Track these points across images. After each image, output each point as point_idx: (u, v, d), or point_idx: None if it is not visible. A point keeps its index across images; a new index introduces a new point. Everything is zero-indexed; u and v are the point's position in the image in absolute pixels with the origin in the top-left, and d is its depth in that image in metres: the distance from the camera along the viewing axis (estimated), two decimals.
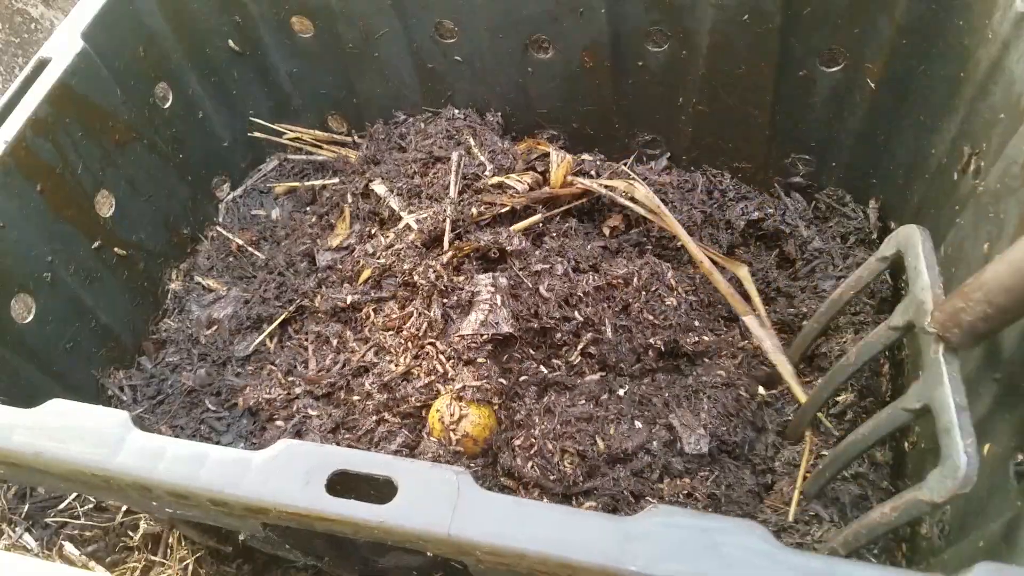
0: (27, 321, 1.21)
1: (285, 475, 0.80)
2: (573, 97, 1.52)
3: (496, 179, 1.40)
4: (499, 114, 1.58)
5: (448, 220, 1.33)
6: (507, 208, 1.38)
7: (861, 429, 1.07)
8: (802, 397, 1.27)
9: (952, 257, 1.13)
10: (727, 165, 1.52)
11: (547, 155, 1.46)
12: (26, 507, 1.37)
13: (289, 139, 1.68)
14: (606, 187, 1.43)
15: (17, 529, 1.35)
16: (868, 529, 0.98)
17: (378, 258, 1.36)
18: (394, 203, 1.42)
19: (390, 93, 1.60)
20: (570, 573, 0.75)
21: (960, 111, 1.16)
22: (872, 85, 1.32)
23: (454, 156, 1.44)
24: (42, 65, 1.26)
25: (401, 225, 1.39)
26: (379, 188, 1.46)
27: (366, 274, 1.35)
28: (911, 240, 1.05)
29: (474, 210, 1.35)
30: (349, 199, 1.52)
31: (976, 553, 0.91)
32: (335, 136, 1.69)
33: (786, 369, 1.31)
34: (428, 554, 0.80)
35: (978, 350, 0.99)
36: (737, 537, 0.73)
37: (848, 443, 1.09)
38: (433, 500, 0.77)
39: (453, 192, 1.39)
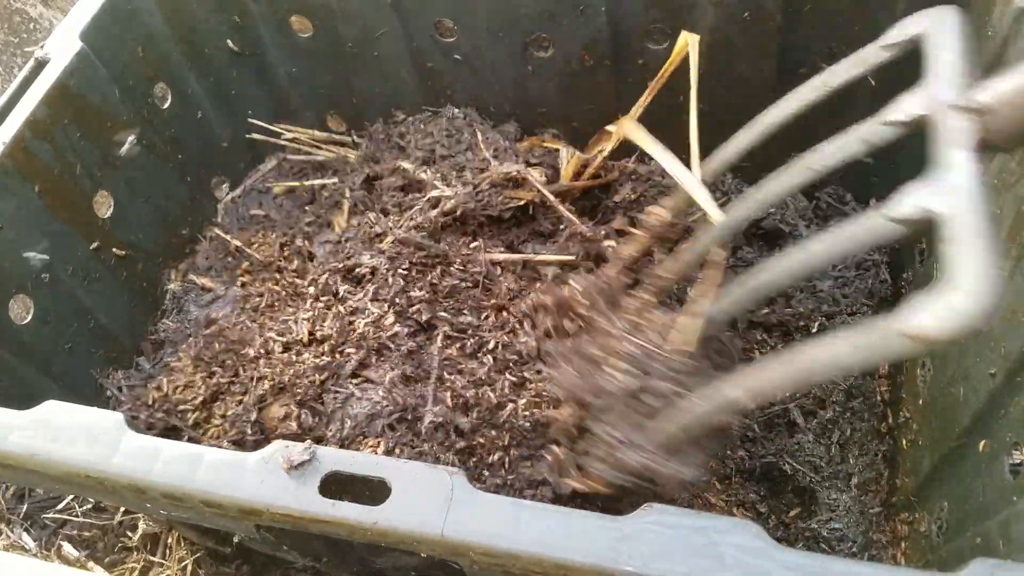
0: (25, 322, 1.21)
1: (279, 477, 0.80)
2: (573, 96, 1.51)
3: (510, 168, 1.39)
4: (500, 113, 1.57)
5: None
6: (523, 201, 1.38)
7: (814, 243, 0.82)
8: (716, 214, 1.01)
9: None
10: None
11: (549, 153, 1.46)
12: (25, 507, 1.38)
13: (287, 139, 1.68)
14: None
15: (15, 529, 1.35)
16: (800, 370, 0.73)
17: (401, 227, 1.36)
18: (425, 175, 1.43)
19: (389, 92, 1.60)
20: (564, 574, 0.74)
21: None
22: (872, 82, 1.31)
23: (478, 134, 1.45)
24: (40, 65, 1.26)
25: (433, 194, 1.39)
26: (406, 163, 1.47)
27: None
28: (945, 23, 0.78)
29: (498, 199, 1.35)
30: (348, 193, 1.52)
31: (973, 550, 0.91)
32: (334, 136, 1.69)
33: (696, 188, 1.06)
34: (423, 555, 0.80)
35: (973, 345, 0.99)
36: (732, 536, 0.73)
37: (795, 254, 0.85)
38: (426, 501, 0.77)
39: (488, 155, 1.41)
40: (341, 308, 1.26)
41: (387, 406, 1.13)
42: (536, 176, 1.39)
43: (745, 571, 0.71)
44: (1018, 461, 0.88)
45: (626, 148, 1.56)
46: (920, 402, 1.16)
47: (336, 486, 0.80)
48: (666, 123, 1.49)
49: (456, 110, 1.57)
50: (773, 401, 1.24)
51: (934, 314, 0.60)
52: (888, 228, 0.72)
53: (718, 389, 0.81)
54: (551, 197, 1.38)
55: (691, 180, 1.11)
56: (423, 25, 1.48)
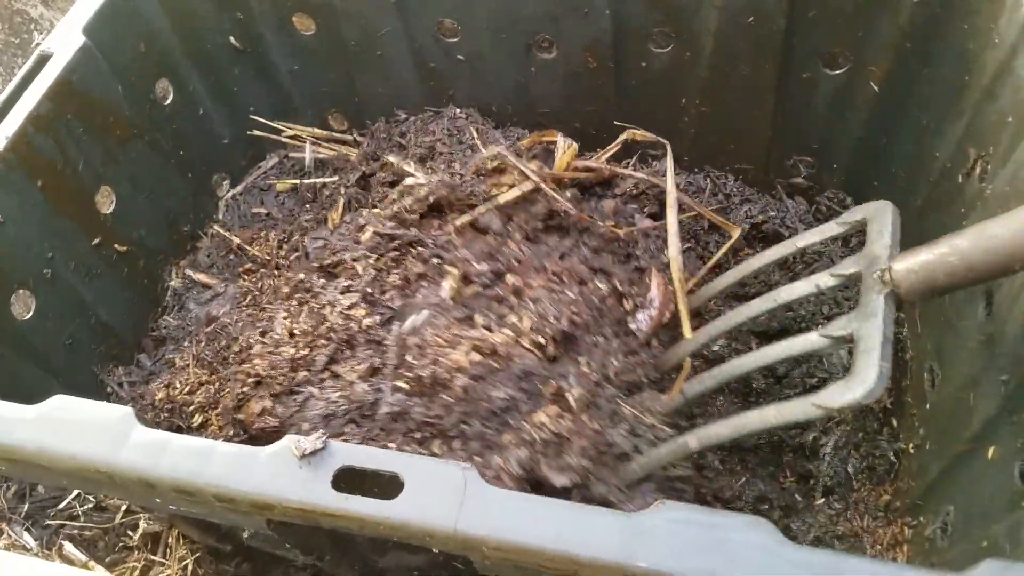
0: (27, 318, 1.21)
1: (291, 471, 0.80)
2: (575, 97, 1.52)
3: (492, 152, 1.38)
4: (502, 113, 1.58)
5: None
6: (506, 188, 1.37)
7: (768, 349, 1.05)
8: (688, 331, 1.24)
9: None
10: (729, 166, 1.53)
11: (551, 153, 1.46)
12: (25, 506, 1.37)
13: (288, 136, 1.68)
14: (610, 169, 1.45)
15: (17, 529, 1.35)
16: (737, 427, 0.99)
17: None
18: (408, 167, 1.42)
19: (391, 92, 1.60)
20: (576, 569, 0.75)
21: (965, 114, 1.16)
22: (875, 88, 1.32)
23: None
24: (43, 61, 1.25)
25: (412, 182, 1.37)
26: (392, 158, 1.47)
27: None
28: (882, 212, 1.08)
29: (481, 187, 1.35)
30: (343, 191, 1.52)
31: (980, 554, 0.91)
32: (334, 135, 1.69)
33: (683, 302, 1.28)
34: (433, 551, 0.80)
35: (984, 352, 1.00)
36: (744, 533, 0.73)
37: (752, 356, 1.07)
38: (439, 496, 0.77)
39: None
40: (314, 303, 1.26)
41: (342, 405, 1.12)
42: (520, 161, 1.38)
43: (756, 568, 0.71)
44: None
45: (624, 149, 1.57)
46: (927, 407, 1.16)
47: (347, 482, 0.80)
48: (669, 124, 1.51)
49: (458, 110, 1.57)
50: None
51: (835, 397, 0.90)
52: (820, 342, 0.99)
53: (678, 439, 1.05)
54: (530, 172, 1.36)
55: (680, 298, 1.30)
56: (425, 25, 1.48)
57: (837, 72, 1.34)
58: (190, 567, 1.29)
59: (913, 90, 1.29)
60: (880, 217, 1.07)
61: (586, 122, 1.54)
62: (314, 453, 0.81)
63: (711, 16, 1.32)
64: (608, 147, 1.51)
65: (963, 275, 0.87)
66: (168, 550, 1.31)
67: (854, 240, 1.41)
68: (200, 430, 1.22)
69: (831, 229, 1.15)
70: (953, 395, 1.08)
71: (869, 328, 0.93)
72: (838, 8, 1.26)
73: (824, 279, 1.07)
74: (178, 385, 1.27)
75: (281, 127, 1.67)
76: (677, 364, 1.22)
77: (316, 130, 1.69)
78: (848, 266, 1.04)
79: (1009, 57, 1.04)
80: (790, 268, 1.43)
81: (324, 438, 0.81)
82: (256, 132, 1.66)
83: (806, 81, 1.37)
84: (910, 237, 1.25)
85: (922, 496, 1.14)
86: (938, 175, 1.23)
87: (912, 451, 1.20)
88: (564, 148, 1.45)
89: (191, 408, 1.23)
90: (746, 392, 1.33)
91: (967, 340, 1.06)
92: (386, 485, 0.79)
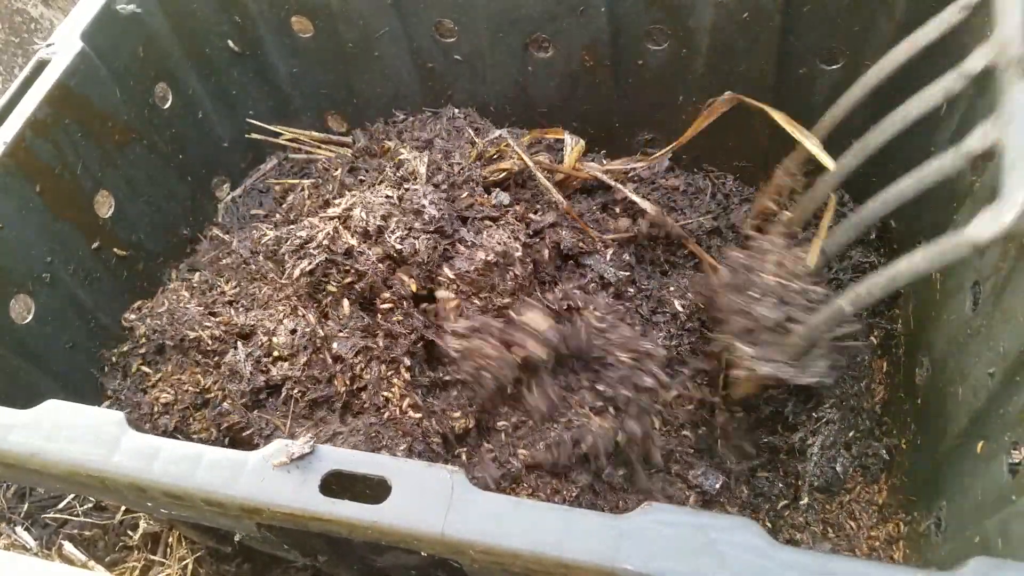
0: (26, 321, 1.21)
1: (279, 475, 0.81)
2: (573, 96, 1.51)
3: (493, 135, 1.41)
4: (500, 113, 1.58)
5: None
6: (504, 173, 1.39)
7: (901, 182, 0.96)
8: (829, 161, 1.18)
9: None
10: (727, 164, 1.52)
11: (553, 151, 1.46)
12: (25, 506, 1.38)
13: (287, 139, 1.68)
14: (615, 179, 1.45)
15: (16, 528, 1.35)
16: (887, 280, 0.90)
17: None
18: (391, 143, 1.44)
19: (390, 93, 1.60)
20: (564, 572, 0.75)
21: (960, 109, 1.16)
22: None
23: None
24: (41, 65, 1.26)
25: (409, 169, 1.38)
26: (390, 143, 1.47)
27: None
28: None
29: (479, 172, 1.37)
30: (337, 173, 1.52)
31: (972, 549, 0.91)
32: (332, 137, 1.69)
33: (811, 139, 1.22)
34: (424, 554, 0.80)
35: (971, 346, 0.99)
36: (732, 534, 0.73)
37: (884, 194, 1.00)
38: (427, 500, 0.77)
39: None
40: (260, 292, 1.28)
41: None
42: (519, 144, 1.39)
43: (745, 569, 0.71)
44: (1016, 460, 0.89)
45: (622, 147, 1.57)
46: (919, 402, 1.16)
47: (337, 485, 0.80)
48: (667, 122, 1.50)
49: (456, 110, 1.57)
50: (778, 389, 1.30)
51: (987, 226, 0.77)
52: (957, 162, 0.88)
53: (832, 305, 0.99)
54: (527, 159, 1.37)
55: (806, 137, 1.25)
56: (424, 25, 1.48)
57: (834, 68, 1.34)
58: (190, 567, 1.29)
59: (909, 84, 1.28)
60: None
61: (584, 121, 1.54)
62: (302, 457, 0.81)
63: (707, 13, 1.32)
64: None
65: None
66: (168, 550, 1.31)
67: None
68: (194, 433, 1.22)
69: (946, 19, 0.99)
70: (943, 389, 1.08)
71: (1015, 132, 0.79)
72: (834, 3, 1.26)
73: (952, 80, 0.94)
74: (169, 389, 1.27)
75: (279, 130, 1.67)
76: (819, 204, 1.17)
77: (312, 133, 1.69)
78: (976, 60, 0.90)
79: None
80: None
81: (312, 442, 0.82)
82: (254, 135, 1.66)
83: (803, 77, 1.37)
84: (908, 235, 1.26)
85: (915, 492, 1.14)
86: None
87: (905, 447, 1.19)
88: (572, 145, 1.45)
89: (183, 409, 1.24)
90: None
91: (955, 334, 1.06)
92: (375, 488, 0.80)
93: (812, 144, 1.21)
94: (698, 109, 1.44)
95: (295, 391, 1.17)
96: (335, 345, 1.18)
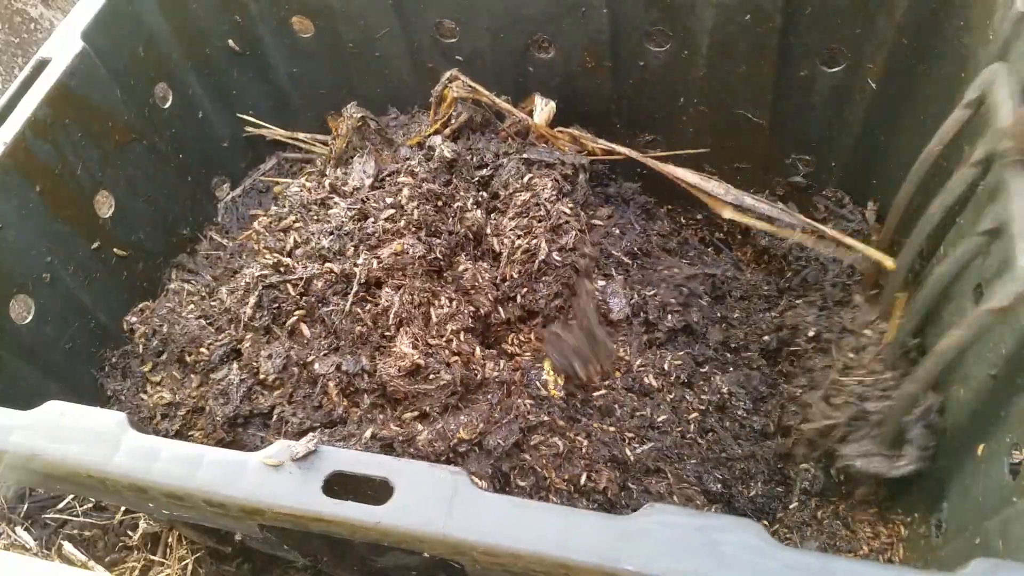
0: (26, 322, 1.21)
1: (281, 476, 0.80)
2: (573, 97, 1.51)
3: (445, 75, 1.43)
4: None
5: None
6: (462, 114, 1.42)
7: (939, 269, 1.07)
8: (889, 262, 1.27)
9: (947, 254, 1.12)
10: (727, 165, 1.52)
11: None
12: (25, 506, 1.38)
13: (285, 136, 1.68)
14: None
15: (16, 528, 1.35)
16: (940, 356, 0.98)
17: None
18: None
19: (390, 93, 1.60)
20: (566, 573, 0.75)
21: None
22: (872, 85, 1.31)
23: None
24: (41, 65, 1.26)
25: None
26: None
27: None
28: (996, 77, 1.02)
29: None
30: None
31: (973, 551, 0.91)
32: (318, 137, 1.69)
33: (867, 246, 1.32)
34: (425, 554, 0.80)
35: (974, 347, 0.99)
36: (733, 535, 0.73)
37: (931, 280, 1.10)
38: (429, 500, 0.77)
39: None
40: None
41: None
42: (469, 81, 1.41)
43: (746, 570, 0.71)
44: (1017, 461, 0.89)
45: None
46: None
47: (339, 486, 0.80)
48: (667, 123, 1.50)
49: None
50: None
51: (1001, 294, 0.88)
52: (977, 241, 0.98)
53: (903, 389, 1.08)
54: (477, 86, 1.40)
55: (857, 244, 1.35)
56: (424, 26, 1.48)
57: (835, 70, 1.33)
58: (190, 567, 1.29)
59: (911, 87, 1.28)
60: (996, 83, 1.02)
61: (584, 122, 1.53)
62: (305, 457, 0.81)
63: (708, 14, 1.32)
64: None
65: None
66: (168, 550, 1.31)
67: None
68: (192, 434, 1.23)
69: (958, 117, 1.11)
70: (944, 390, 1.08)
71: (1012, 210, 0.90)
72: (835, 5, 1.26)
73: (963, 175, 1.06)
74: (169, 394, 1.27)
75: (274, 129, 1.66)
76: (887, 306, 1.25)
77: (305, 134, 1.69)
78: (981, 150, 1.01)
79: (1003, 52, 1.04)
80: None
81: (315, 441, 0.82)
82: (254, 132, 1.66)
83: (804, 79, 1.37)
84: (906, 233, 1.26)
85: (915, 494, 1.14)
86: (934, 172, 1.23)
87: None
88: (542, 107, 1.47)
89: (184, 414, 1.24)
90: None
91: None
92: (377, 489, 0.80)
93: (874, 253, 1.31)
94: (700, 111, 1.45)
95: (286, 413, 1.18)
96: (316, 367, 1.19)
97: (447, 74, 1.41)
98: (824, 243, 1.38)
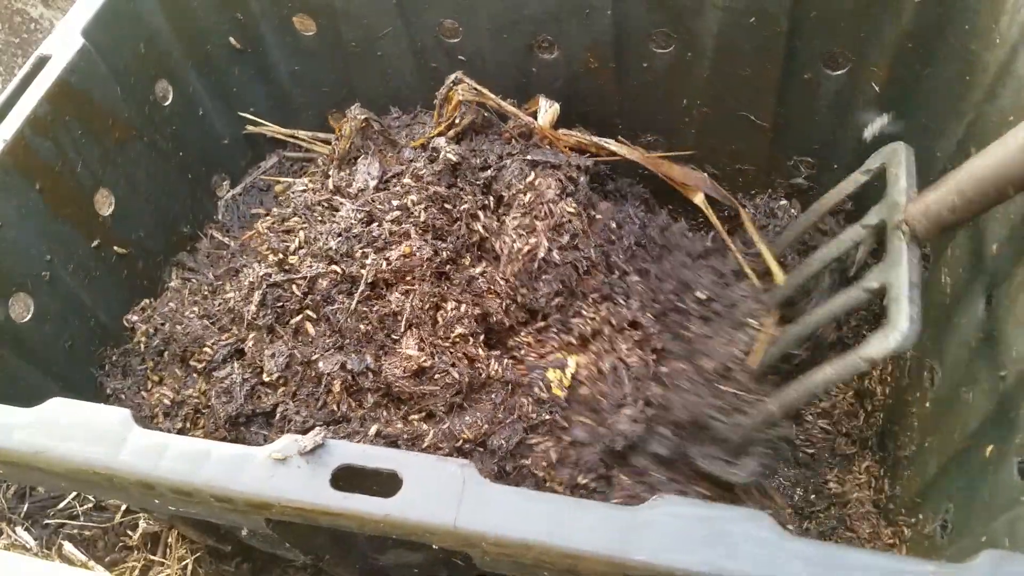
0: (26, 320, 1.21)
1: (289, 470, 0.80)
2: (576, 98, 1.51)
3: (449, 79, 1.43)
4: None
5: None
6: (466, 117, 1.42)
7: (819, 310, 1.17)
8: (779, 277, 1.36)
9: (960, 259, 1.13)
10: (730, 167, 1.52)
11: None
12: (25, 506, 1.37)
13: (286, 135, 1.67)
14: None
15: (16, 528, 1.34)
16: (806, 389, 1.08)
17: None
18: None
19: (391, 92, 1.60)
20: (575, 563, 0.75)
21: (967, 114, 1.16)
22: (876, 88, 1.32)
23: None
24: (42, 62, 1.25)
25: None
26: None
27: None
28: (897, 154, 1.15)
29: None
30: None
31: (979, 549, 0.90)
32: (319, 135, 1.69)
33: (769, 252, 1.39)
34: (433, 547, 0.80)
35: (983, 349, 0.99)
36: (742, 526, 0.73)
37: (809, 318, 1.18)
38: (438, 493, 0.77)
39: None
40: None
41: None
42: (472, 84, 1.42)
43: (756, 561, 0.71)
44: None
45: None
46: (927, 405, 1.16)
47: (346, 480, 0.80)
48: (670, 125, 1.51)
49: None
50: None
51: (877, 348, 0.98)
52: (860, 295, 1.08)
53: (763, 406, 1.15)
54: (482, 89, 1.41)
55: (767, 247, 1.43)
56: (427, 25, 1.48)
57: (838, 72, 1.34)
58: (190, 567, 1.29)
59: (914, 90, 1.28)
60: (895, 160, 1.14)
61: (587, 123, 1.53)
62: (312, 451, 0.80)
63: (713, 17, 1.32)
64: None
65: (964, 209, 0.95)
66: (168, 550, 1.31)
67: None
68: (194, 433, 1.22)
69: (856, 179, 1.23)
70: (952, 392, 1.08)
71: (896, 276, 1.00)
72: (840, 8, 1.26)
73: (855, 232, 1.16)
74: (170, 393, 1.26)
75: (276, 129, 1.66)
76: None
77: (303, 132, 1.69)
78: (872, 216, 1.12)
79: (1010, 57, 1.04)
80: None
81: (323, 435, 0.81)
82: (255, 130, 1.65)
83: (807, 82, 1.37)
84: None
85: (921, 494, 1.14)
86: (939, 175, 1.23)
87: (912, 449, 1.19)
88: (547, 108, 1.47)
89: (186, 411, 1.23)
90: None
91: (967, 337, 1.06)
92: (385, 483, 0.79)
93: (769, 256, 1.40)
94: (703, 112, 1.45)
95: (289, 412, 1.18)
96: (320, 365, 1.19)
97: (452, 76, 1.41)
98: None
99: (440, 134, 1.42)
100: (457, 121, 1.42)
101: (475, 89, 1.40)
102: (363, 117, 1.44)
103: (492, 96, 1.41)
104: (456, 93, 1.40)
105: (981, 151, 0.93)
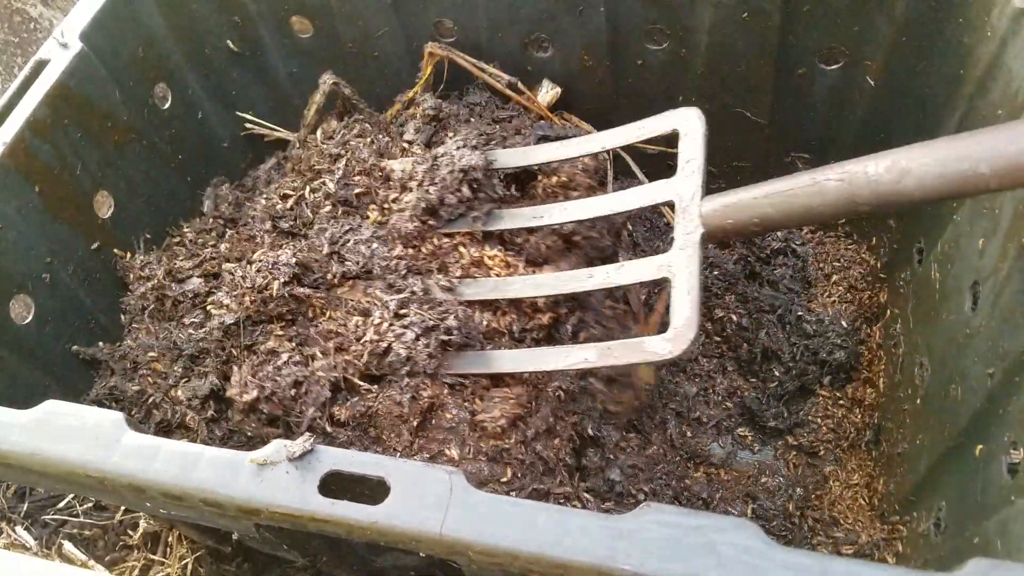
0: (26, 322, 1.21)
1: (277, 476, 0.81)
2: (572, 96, 1.51)
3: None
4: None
5: None
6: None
7: (600, 272, 1.14)
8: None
9: (949, 254, 1.12)
10: (727, 164, 1.52)
11: None
12: (25, 506, 1.38)
13: (285, 136, 1.67)
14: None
15: (16, 528, 1.36)
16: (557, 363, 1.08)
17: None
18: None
19: (389, 92, 1.60)
20: (563, 573, 0.75)
21: (959, 108, 1.16)
22: (871, 83, 1.31)
23: None
24: (41, 66, 1.26)
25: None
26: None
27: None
28: (692, 123, 1.13)
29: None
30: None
31: (972, 549, 0.91)
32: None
33: None
34: (422, 554, 0.80)
35: (970, 346, 1.00)
36: (730, 535, 0.73)
37: (588, 279, 1.15)
38: (425, 500, 0.77)
39: None
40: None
41: None
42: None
43: (743, 570, 0.71)
44: (1016, 461, 0.88)
45: None
46: (918, 402, 1.16)
47: (335, 486, 0.80)
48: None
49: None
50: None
51: (659, 344, 0.99)
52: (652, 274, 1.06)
53: None
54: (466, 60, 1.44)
55: None
56: (423, 25, 1.48)
57: (833, 68, 1.34)
58: (190, 566, 1.30)
59: (909, 85, 1.28)
60: (690, 134, 1.12)
61: (582, 120, 1.54)
62: (301, 457, 0.81)
63: (706, 13, 1.32)
64: None
65: (761, 228, 0.99)
66: (168, 549, 1.31)
67: None
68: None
69: (640, 134, 1.18)
70: (942, 390, 1.08)
71: (683, 271, 1.01)
72: (833, 3, 1.26)
73: (640, 196, 1.13)
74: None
75: (275, 130, 1.66)
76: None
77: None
78: (662, 193, 1.11)
79: (1000, 50, 1.04)
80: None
81: (311, 441, 0.82)
82: (254, 132, 1.66)
83: (803, 77, 1.37)
84: (906, 237, 1.26)
85: (914, 492, 1.14)
86: None
87: (904, 447, 1.19)
88: (548, 89, 1.49)
89: (183, 413, 1.24)
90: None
91: (954, 334, 1.06)
92: (374, 490, 0.80)
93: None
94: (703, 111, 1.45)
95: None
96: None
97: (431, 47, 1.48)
98: None
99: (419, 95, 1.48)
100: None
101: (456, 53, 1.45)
102: (332, 82, 1.47)
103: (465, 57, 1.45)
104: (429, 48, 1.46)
105: (782, 177, 0.97)
